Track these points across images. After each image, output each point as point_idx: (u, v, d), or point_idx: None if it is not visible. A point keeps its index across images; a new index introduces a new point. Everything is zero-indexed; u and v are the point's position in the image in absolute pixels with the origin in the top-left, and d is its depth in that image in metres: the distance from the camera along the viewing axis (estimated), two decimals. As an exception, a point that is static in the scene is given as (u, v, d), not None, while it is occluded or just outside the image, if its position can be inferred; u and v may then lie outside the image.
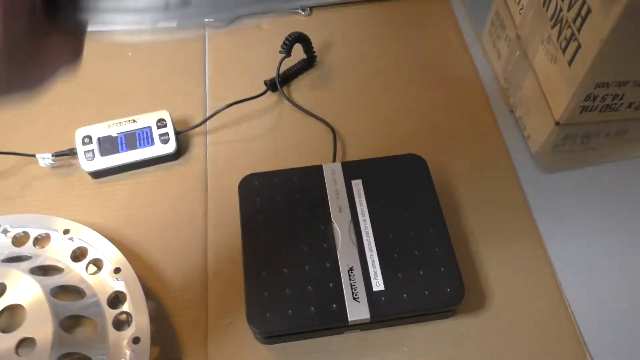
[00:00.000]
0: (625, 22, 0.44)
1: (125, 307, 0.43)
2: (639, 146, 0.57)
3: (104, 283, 0.44)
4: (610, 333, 0.44)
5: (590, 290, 0.46)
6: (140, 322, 0.41)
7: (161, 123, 0.53)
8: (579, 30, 0.50)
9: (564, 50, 0.52)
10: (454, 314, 0.45)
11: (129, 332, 0.41)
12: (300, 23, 0.65)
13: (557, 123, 0.56)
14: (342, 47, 0.63)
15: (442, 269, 0.43)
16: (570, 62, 0.52)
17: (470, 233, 0.49)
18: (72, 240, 0.46)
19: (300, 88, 0.59)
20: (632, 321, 0.44)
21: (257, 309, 0.42)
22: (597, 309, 0.45)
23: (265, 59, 0.60)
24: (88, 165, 0.52)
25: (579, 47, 0.50)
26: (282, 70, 0.59)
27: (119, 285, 0.43)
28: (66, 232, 0.46)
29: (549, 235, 0.49)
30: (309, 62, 0.60)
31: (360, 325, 0.43)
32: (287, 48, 0.56)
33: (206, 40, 0.63)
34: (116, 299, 0.44)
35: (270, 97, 0.59)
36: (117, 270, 0.43)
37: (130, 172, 0.53)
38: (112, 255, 0.45)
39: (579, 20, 0.49)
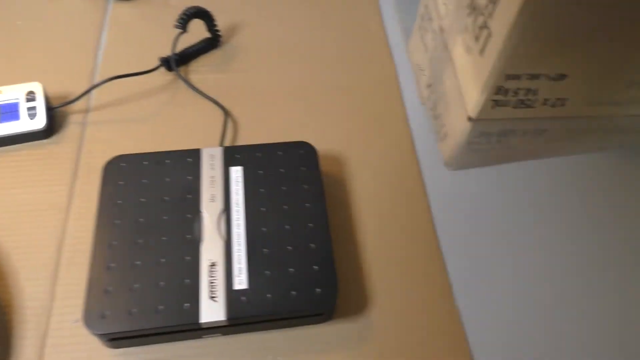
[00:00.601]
0: (530, 6, 0.41)
1: (-51, 299, 0.37)
2: (558, 146, 0.53)
3: None
4: (498, 340, 0.40)
5: (484, 298, 0.42)
6: (-43, 317, 0.36)
7: (30, 96, 0.47)
8: (490, 17, 0.46)
9: (476, 40, 0.48)
10: (330, 318, 0.40)
11: (-57, 328, 0.35)
12: (211, 1, 0.60)
13: (469, 118, 0.52)
14: (251, 27, 0.58)
15: (316, 267, 0.38)
16: (481, 52, 0.48)
17: (360, 230, 0.44)
18: None
19: (201, 69, 0.54)
20: (520, 326, 0.40)
21: (95, 307, 0.36)
22: (489, 317, 0.41)
23: (170, 36, 0.54)
24: (-59, 139, 0.46)
25: (489, 35, 0.46)
26: (182, 47, 0.54)
27: (-55, 274, 0.38)
28: None
29: (446, 236, 0.45)
30: (213, 41, 0.55)
31: (221, 329, 0.38)
32: (182, 23, 0.51)
33: (108, 11, 0.58)
34: (-60, 290, 0.38)
35: (166, 76, 0.53)
36: (-59, 256, 0.38)
37: (-8, 150, 0.48)
38: (-55, 240, 0.39)
39: (490, 6, 0.46)
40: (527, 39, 0.43)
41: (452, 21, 0.56)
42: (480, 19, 0.48)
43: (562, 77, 0.47)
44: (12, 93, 0.47)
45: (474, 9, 0.50)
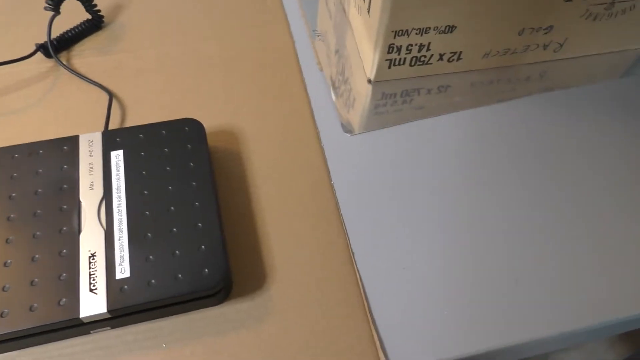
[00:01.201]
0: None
1: None
2: (461, 101, 0.52)
3: None
4: (400, 308, 0.39)
5: (386, 265, 0.41)
6: None
7: None
8: (372, -28, 0.44)
9: (365, -2, 0.47)
10: (226, 298, 0.38)
11: None
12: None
13: (369, 81, 0.51)
14: (138, 5, 0.55)
15: (203, 247, 0.36)
16: (369, 10, 0.46)
17: (257, 205, 0.43)
18: None
19: (84, 52, 0.51)
20: (422, 293, 0.40)
21: (-40, 313, 0.34)
22: (391, 285, 0.40)
23: (46, 21, 0.51)
24: None
25: (373, -9, 0.44)
26: (61, 31, 0.51)
27: None
28: None
29: (347, 204, 0.43)
30: (95, 22, 0.52)
31: (106, 322, 0.36)
32: (53, 3, 0.47)
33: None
34: None
35: (45, 63, 0.50)
36: None
37: None
38: None
39: (370, -40, 0.44)
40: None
41: (346, -17, 0.54)
42: (364, -24, 0.47)
43: (451, 28, 0.46)
44: None
45: (359, -34, 0.49)
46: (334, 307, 0.39)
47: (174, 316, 0.37)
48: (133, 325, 0.37)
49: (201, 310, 0.38)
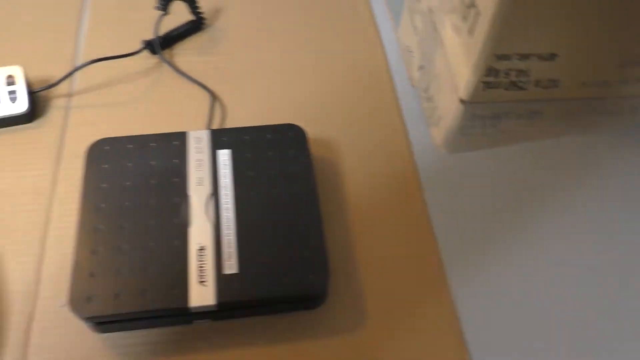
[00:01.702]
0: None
1: None
2: (551, 129, 0.53)
3: None
4: (494, 328, 0.39)
5: (478, 282, 0.41)
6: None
7: (10, 80, 0.46)
8: (479, -4, 0.45)
9: (464, 19, 0.48)
10: (322, 304, 0.39)
11: None
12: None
13: (461, 101, 0.52)
14: (236, 9, 0.57)
15: (308, 252, 0.38)
16: (470, 32, 0.47)
17: (352, 214, 0.44)
18: None
19: (186, 52, 0.53)
20: (515, 316, 0.40)
21: (81, 290, 0.35)
22: (484, 304, 0.40)
23: (153, 20, 0.53)
24: None
25: (477, 14, 0.45)
26: (166, 30, 0.53)
27: None
28: None
29: (440, 221, 0.44)
30: (197, 23, 0.54)
31: (210, 314, 0.37)
32: (164, 4, 0.50)
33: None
34: None
35: (150, 59, 0.52)
36: None
37: (-29, 134, 0.46)
38: None
39: (479, -16, 0.45)
40: (515, 17, 0.43)
41: (440, 1, 0.55)
42: (469, -1, 0.47)
43: (552, 56, 0.47)
44: (-9, 76, 0.46)
45: (463, -12, 0.50)
46: (427, 326, 0.39)
47: (269, 315, 0.39)
48: (231, 320, 0.38)
49: (295, 313, 0.39)
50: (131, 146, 0.42)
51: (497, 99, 0.52)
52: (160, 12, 0.50)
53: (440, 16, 0.53)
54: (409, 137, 0.49)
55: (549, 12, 0.42)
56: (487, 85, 0.49)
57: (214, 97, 0.49)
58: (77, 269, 0.36)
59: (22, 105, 0.46)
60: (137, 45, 0.52)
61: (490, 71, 0.48)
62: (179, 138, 0.43)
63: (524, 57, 0.46)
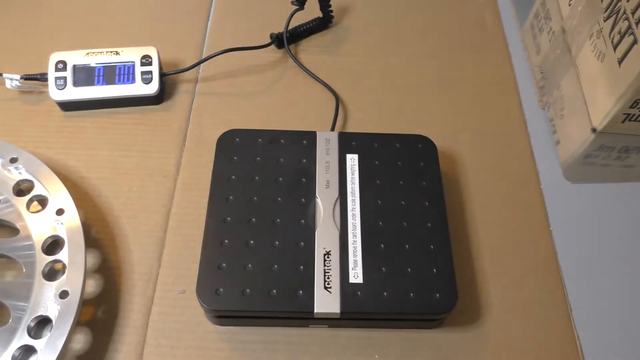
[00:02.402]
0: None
1: (63, 255, 0.37)
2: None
3: (45, 225, 0.38)
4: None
5: (601, 316, 0.39)
6: (73, 275, 0.35)
7: (146, 60, 0.47)
8: (637, 23, 0.42)
9: (615, 47, 0.45)
10: (441, 325, 0.38)
11: (58, 284, 0.35)
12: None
13: (593, 130, 0.49)
14: (363, 10, 0.56)
15: (435, 270, 0.36)
16: (620, 61, 0.44)
17: (474, 235, 0.42)
18: (19, 172, 0.40)
19: (310, 49, 0.53)
20: (636, 349, 0.38)
21: (209, 282, 0.35)
22: (605, 338, 0.38)
23: (279, 11, 0.53)
24: (58, 94, 0.46)
25: (634, 42, 0.42)
26: (292, 25, 0.53)
27: (60, 230, 0.38)
28: (13, 160, 0.40)
29: (564, 249, 0.42)
30: (324, 21, 0.53)
31: (329, 321, 0.37)
32: (300, 0, 0.49)
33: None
34: (54, 244, 0.38)
35: (275, 53, 0.52)
36: (59, 212, 0.38)
37: (103, 110, 0.47)
38: (60, 196, 0.39)
39: (640, 10, 0.42)
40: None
41: (580, 23, 0.52)
42: (624, 24, 0.45)
43: None
44: (129, 55, 0.47)
45: (614, 12, 0.47)
46: (550, 358, 0.37)
47: (387, 330, 0.38)
48: (348, 329, 0.38)
49: (414, 330, 0.38)
50: (261, 140, 0.42)
51: (634, 132, 0.49)
52: (294, 7, 0.50)
53: (578, 39, 0.51)
54: (536, 160, 0.47)
55: None
56: (628, 117, 0.46)
57: (338, 98, 0.49)
58: (206, 259, 0.36)
59: (153, 86, 0.46)
60: (261, 37, 0.52)
61: (636, 103, 0.45)
62: (308, 137, 0.42)
63: (678, 92, 0.43)
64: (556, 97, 0.53)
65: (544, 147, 0.48)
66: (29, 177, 0.40)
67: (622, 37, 0.44)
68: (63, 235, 0.37)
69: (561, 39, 0.56)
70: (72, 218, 0.37)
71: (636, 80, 0.43)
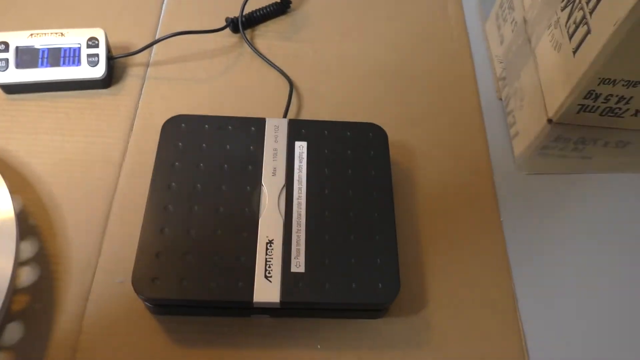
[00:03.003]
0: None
1: (-5, 243, 0.35)
2: (638, 162, 0.49)
3: (-22, 211, 0.37)
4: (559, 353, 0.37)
5: (546, 305, 0.39)
6: (3, 265, 0.34)
7: (93, 42, 0.45)
8: (591, 13, 0.42)
9: (570, 37, 0.45)
10: (385, 314, 0.37)
11: (-13, 273, 0.34)
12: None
13: (549, 120, 0.49)
14: (323, -4, 0.55)
15: (379, 260, 0.36)
16: (575, 51, 0.44)
17: (423, 225, 0.42)
18: (-48, 156, 0.39)
19: (267, 34, 0.52)
20: (582, 341, 0.38)
21: (145, 272, 0.34)
22: (549, 325, 0.38)
23: (235, -3, 0.52)
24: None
25: (588, 32, 0.42)
26: (250, 10, 0.51)
27: (-7, 217, 0.36)
28: (-54, 144, 0.38)
29: (513, 241, 0.42)
30: (282, 6, 0.52)
31: (270, 311, 0.36)
32: (255, -18, 0.48)
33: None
34: (-14, 232, 0.36)
35: (230, 37, 0.51)
36: (-9, 198, 0.36)
37: (48, 93, 0.45)
38: (-5, 181, 0.37)
39: (593, 0, 0.42)
40: (633, 41, 0.40)
41: (540, 13, 0.52)
42: (579, 14, 0.44)
43: (663, 87, 0.43)
44: (74, 37, 0.45)
45: (570, 2, 0.47)
46: (493, 347, 0.37)
47: (330, 319, 0.37)
48: (291, 318, 0.37)
49: (357, 320, 0.37)
50: (207, 127, 0.41)
51: (589, 124, 0.48)
52: (248, -9, 0.49)
53: (538, 29, 0.50)
54: (490, 152, 0.46)
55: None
56: (582, 108, 0.46)
57: (292, 84, 0.48)
58: (143, 247, 0.35)
59: (100, 69, 0.45)
60: (216, 21, 0.50)
61: (589, 94, 0.44)
62: (257, 124, 0.41)
63: (631, 84, 0.43)
64: (517, 88, 0.53)
65: (501, 138, 0.48)
66: (-37, 161, 0.38)
67: (577, 27, 0.44)
68: (-5, 222, 0.36)
69: (522, 29, 0.56)
70: (6, 206, 0.36)
71: (589, 70, 0.42)
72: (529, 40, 0.54)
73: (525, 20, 0.53)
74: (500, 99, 0.51)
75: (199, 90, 0.47)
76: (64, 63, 0.45)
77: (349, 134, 0.41)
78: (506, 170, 0.46)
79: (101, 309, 0.37)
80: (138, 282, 0.34)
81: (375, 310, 0.36)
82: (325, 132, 0.41)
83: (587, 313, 0.39)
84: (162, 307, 0.36)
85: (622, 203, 0.46)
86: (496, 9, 0.59)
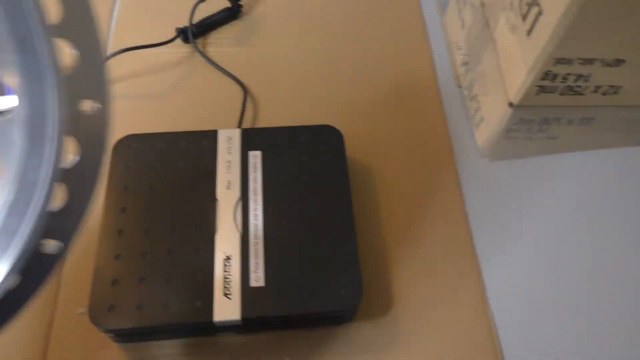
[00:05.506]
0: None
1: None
2: (605, 137, 0.49)
3: None
4: (531, 350, 0.37)
5: (517, 298, 0.38)
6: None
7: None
8: (541, -7, 0.41)
9: (524, 18, 0.44)
10: (351, 320, 0.37)
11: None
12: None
13: (510, 104, 0.48)
14: (275, -2, 0.54)
15: (339, 266, 0.35)
16: (529, 32, 0.43)
17: (386, 224, 0.41)
18: None
19: (219, 41, 0.51)
20: (555, 335, 0.37)
21: (101, 301, 0.33)
22: (521, 320, 0.38)
23: (187, 6, 0.50)
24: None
25: (539, 13, 0.41)
26: (199, 18, 0.50)
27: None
28: None
29: (480, 230, 0.41)
30: (233, 11, 0.51)
31: (234, 327, 0.35)
32: (200, -10, 0.47)
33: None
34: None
35: (182, 48, 0.50)
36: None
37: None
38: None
39: (542, -21, 0.41)
40: (585, 19, 0.39)
41: (495, -5, 0.51)
42: (529, -5, 0.43)
43: (619, 62, 0.42)
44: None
45: (521, -18, 0.46)
46: (463, 344, 0.37)
47: (297, 329, 0.37)
48: (257, 333, 0.36)
49: (324, 327, 0.37)
50: (159, 144, 0.40)
51: (550, 104, 0.48)
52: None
53: (495, 12, 0.49)
54: (451, 140, 0.46)
55: (623, 14, 0.38)
56: (542, 89, 0.45)
57: (246, 92, 0.47)
58: (99, 275, 0.34)
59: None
60: (170, 33, 0.49)
61: (547, 75, 0.44)
62: (209, 137, 0.40)
63: (587, 61, 0.42)
64: (479, 73, 0.52)
65: (463, 125, 0.47)
66: None
67: (529, 8, 0.43)
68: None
69: (480, 13, 0.55)
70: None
71: (544, 51, 0.41)
72: (488, 24, 0.53)
73: (482, 4, 0.52)
74: (460, 87, 0.50)
75: (153, 107, 0.46)
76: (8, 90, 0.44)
77: (303, 138, 0.41)
78: (470, 158, 0.46)
79: (64, 343, 0.36)
80: (94, 313, 0.33)
81: (340, 317, 0.36)
82: (280, 138, 0.41)
83: (558, 302, 0.39)
84: (124, 336, 0.35)
85: (592, 180, 0.46)
86: (455, -8, 0.58)
